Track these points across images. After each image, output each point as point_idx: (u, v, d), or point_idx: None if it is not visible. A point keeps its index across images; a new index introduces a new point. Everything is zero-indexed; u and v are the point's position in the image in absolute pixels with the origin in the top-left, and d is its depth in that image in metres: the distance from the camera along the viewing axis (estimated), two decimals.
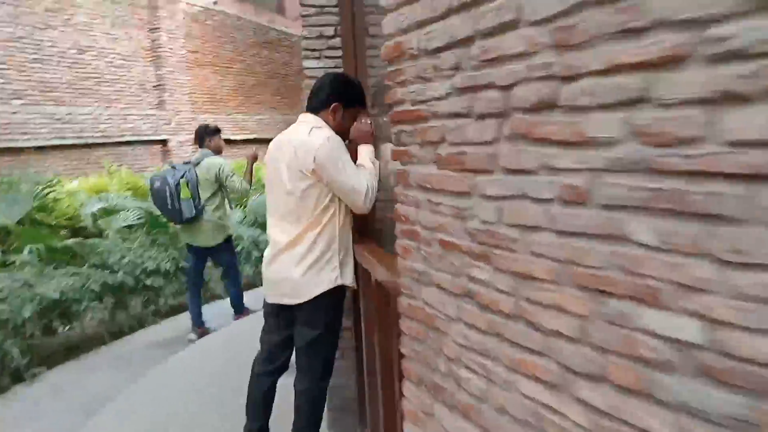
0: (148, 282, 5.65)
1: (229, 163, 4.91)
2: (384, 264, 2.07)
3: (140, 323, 5.68)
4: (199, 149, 4.94)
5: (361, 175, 2.29)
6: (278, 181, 2.38)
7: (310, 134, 2.29)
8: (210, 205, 4.78)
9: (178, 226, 5.00)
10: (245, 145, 10.76)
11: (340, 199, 2.32)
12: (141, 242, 5.94)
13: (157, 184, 4.63)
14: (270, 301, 2.48)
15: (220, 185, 4.81)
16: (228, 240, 5.05)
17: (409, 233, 1.31)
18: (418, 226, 1.28)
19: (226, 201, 4.97)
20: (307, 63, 2.78)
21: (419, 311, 1.31)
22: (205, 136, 4.91)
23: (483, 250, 1.08)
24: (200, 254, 5.06)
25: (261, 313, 4.82)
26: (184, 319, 5.83)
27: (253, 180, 5.03)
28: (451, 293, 1.19)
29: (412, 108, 1.26)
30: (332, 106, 2.36)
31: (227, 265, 5.22)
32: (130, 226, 6.16)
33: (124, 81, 9.02)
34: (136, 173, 7.99)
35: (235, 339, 4.81)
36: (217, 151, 4.92)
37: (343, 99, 2.37)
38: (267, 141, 5.22)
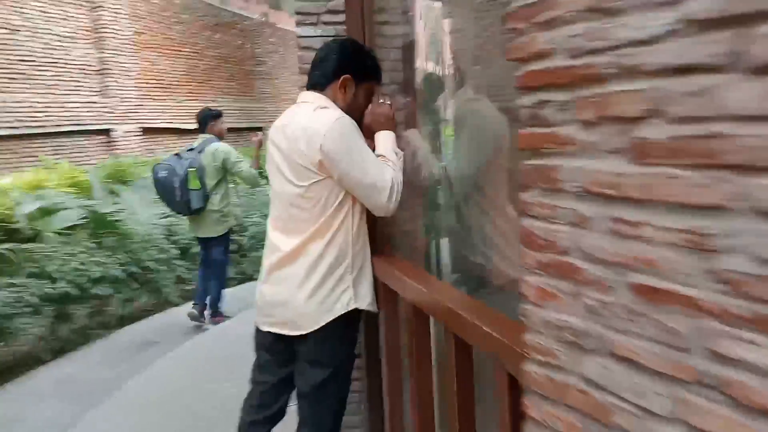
0: (95, 291, 4.97)
1: (233, 149, 4.69)
2: (422, 283, 1.59)
3: (85, 337, 5.01)
4: (201, 135, 4.73)
5: (383, 167, 1.78)
6: (278, 176, 1.85)
7: (313, 116, 1.76)
8: (216, 194, 4.58)
9: (185, 217, 4.86)
10: (197, 135, 10.01)
11: (353, 199, 1.81)
12: (85, 246, 5.24)
13: (163, 173, 4.42)
14: (264, 328, 1.94)
15: (225, 173, 4.60)
16: (227, 233, 4.81)
17: (556, 267, 0.82)
18: (577, 257, 0.79)
19: (231, 189, 4.78)
20: (301, 30, 2.24)
21: (572, 392, 0.82)
22: (208, 120, 4.71)
23: (760, 311, 0.59)
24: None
25: (236, 322, 4.20)
26: (136, 330, 5.19)
27: (258, 166, 4.86)
28: (663, 375, 0.70)
29: (572, 63, 0.76)
30: (342, 78, 1.84)
31: (217, 260, 4.86)
32: (72, 228, 5.43)
33: (62, 65, 8.12)
34: (77, 166, 7.21)
35: (210, 356, 4.21)
36: (220, 136, 4.72)
37: (355, 70, 1.86)
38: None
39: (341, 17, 2.22)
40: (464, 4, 2.36)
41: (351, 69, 1.84)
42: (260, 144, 4.82)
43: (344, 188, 1.77)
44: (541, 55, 0.80)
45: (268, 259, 1.90)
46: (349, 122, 1.76)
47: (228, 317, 4.99)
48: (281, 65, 13.59)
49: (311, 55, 2.21)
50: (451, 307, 1.35)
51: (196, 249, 6.32)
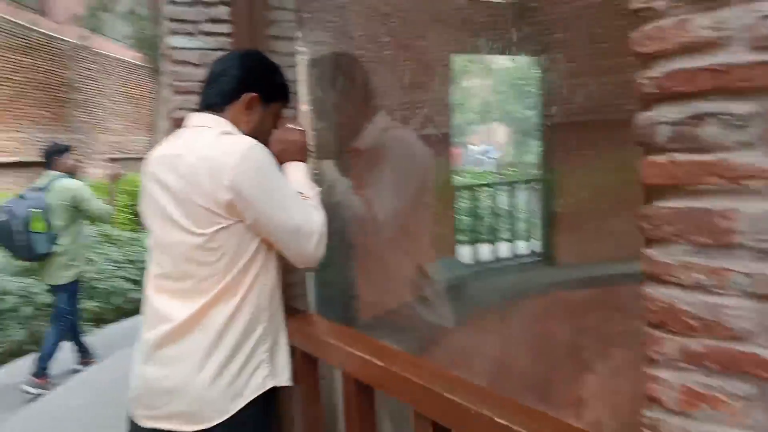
0: None
1: (85, 185, 4.33)
2: (373, 353, 1.27)
3: None
4: (46, 171, 4.25)
5: (306, 206, 1.43)
6: (164, 222, 1.41)
7: (217, 144, 1.37)
8: (65, 236, 4.13)
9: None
10: (36, 170, 8.62)
11: (269, 248, 1.43)
12: None
13: (0, 217, 3.97)
14: (146, 424, 1.45)
15: (76, 212, 4.18)
16: (75, 281, 4.30)
17: (722, 360, 0.55)
18: (763, 346, 0.53)
19: (83, 230, 4.38)
20: (175, 41, 1.82)
21: None
22: (54, 155, 4.27)
23: None
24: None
25: (69, 388, 3.58)
26: None
27: (114, 203, 4.55)
28: None
29: (761, 58, 0.51)
30: (246, 98, 1.47)
31: (60, 310, 4.28)
32: None
33: None
34: None
35: None
36: (70, 172, 4.31)
37: (261, 88, 1.50)
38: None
39: (225, 27, 1.84)
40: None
41: (257, 86, 1.48)
42: (115, 178, 4.52)
43: (258, 234, 1.38)
44: (698, 47, 0.55)
45: (151, 331, 1.43)
46: (264, 152, 1.39)
47: (54, 383, 4.23)
48: (100, 93, 12.38)
49: (189, 71, 1.83)
50: (435, 390, 1.04)
51: (7, 304, 5.33)
